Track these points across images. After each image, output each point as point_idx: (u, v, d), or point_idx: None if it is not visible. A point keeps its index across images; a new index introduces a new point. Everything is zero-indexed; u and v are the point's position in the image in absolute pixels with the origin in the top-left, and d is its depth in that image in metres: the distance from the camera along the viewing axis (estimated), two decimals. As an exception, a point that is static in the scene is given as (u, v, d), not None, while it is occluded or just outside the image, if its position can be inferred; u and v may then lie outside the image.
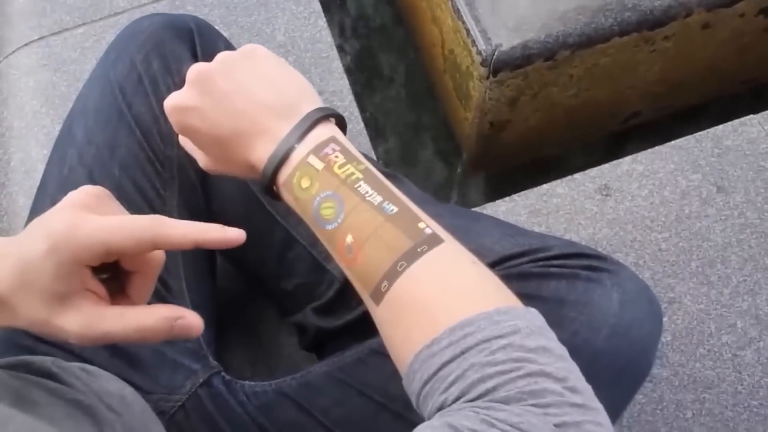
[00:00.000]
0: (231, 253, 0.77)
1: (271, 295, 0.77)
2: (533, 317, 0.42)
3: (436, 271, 0.44)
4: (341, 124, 0.52)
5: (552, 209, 0.87)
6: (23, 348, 0.63)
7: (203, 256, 0.73)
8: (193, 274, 0.70)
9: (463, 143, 1.20)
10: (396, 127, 1.30)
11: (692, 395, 0.79)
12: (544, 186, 0.89)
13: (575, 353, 0.42)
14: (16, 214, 0.93)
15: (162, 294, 0.67)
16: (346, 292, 0.69)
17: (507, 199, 0.88)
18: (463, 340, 0.40)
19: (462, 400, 0.39)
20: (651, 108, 1.22)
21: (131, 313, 0.46)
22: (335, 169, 0.47)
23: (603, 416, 0.39)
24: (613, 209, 0.87)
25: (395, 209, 0.45)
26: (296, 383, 0.64)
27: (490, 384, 0.38)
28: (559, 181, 0.89)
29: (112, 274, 0.48)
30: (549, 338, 0.41)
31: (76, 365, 0.57)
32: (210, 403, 0.63)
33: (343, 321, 0.69)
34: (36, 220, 0.46)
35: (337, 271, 0.69)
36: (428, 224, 0.45)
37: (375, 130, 1.28)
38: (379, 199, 0.46)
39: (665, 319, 0.82)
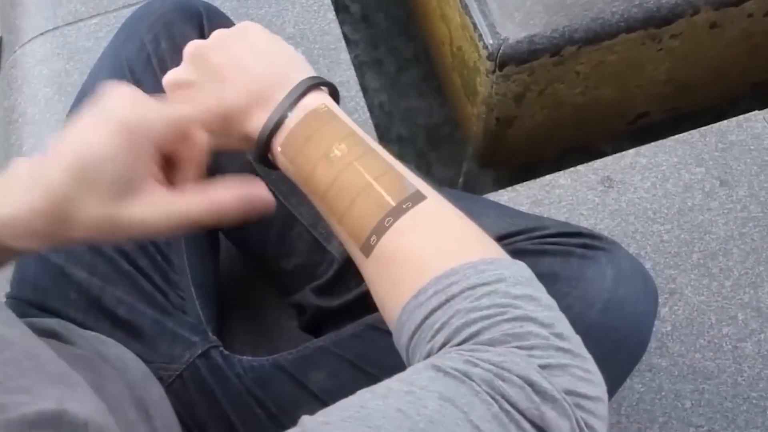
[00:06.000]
0: (233, 233, 0.78)
1: (271, 275, 0.78)
2: (520, 269, 0.43)
3: (422, 225, 0.44)
4: (334, 94, 0.53)
5: (554, 200, 0.88)
6: (28, 317, 0.64)
7: (205, 235, 0.74)
8: (195, 252, 0.71)
9: (471, 140, 1.20)
10: (403, 123, 1.31)
11: (691, 385, 0.78)
12: (547, 177, 0.89)
13: None
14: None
15: (163, 268, 0.68)
16: (346, 273, 0.69)
17: (509, 189, 0.89)
18: (448, 288, 0.40)
19: (448, 346, 0.39)
20: (659, 109, 1.22)
21: (201, 193, 0.45)
22: (326, 135, 0.49)
23: (592, 365, 0.39)
24: (616, 200, 0.88)
25: (382, 169, 0.47)
26: (292, 357, 0.65)
27: (474, 328, 0.39)
28: (561, 172, 0.90)
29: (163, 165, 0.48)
30: (536, 289, 0.42)
31: (81, 329, 0.59)
32: (207, 373, 0.64)
33: (342, 301, 0.70)
34: (72, 126, 0.45)
35: (337, 252, 0.70)
36: (413, 182, 0.46)
37: (382, 125, 1.29)
38: (366, 160, 0.47)
39: (665, 309, 0.82)
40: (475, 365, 0.36)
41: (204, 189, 0.46)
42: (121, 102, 0.45)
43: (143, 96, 0.46)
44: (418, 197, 0.45)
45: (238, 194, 0.45)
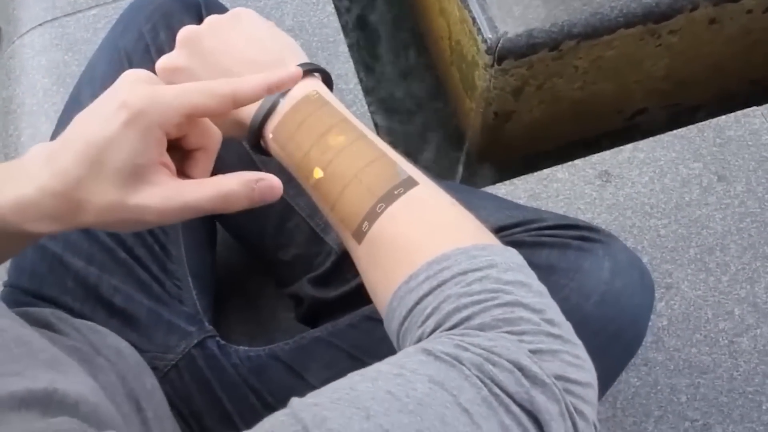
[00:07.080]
0: (231, 223, 0.78)
1: (269, 266, 0.78)
2: (512, 255, 0.43)
3: (414, 211, 0.45)
4: (328, 80, 0.53)
5: (552, 194, 0.88)
6: (24, 305, 0.64)
7: (202, 225, 0.74)
8: (192, 242, 0.71)
9: (469, 134, 1.20)
10: (401, 117, 1.31)
11: (687, 380, 0.78)
12: (545, 171, 0.89)
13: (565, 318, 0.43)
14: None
15: (161, 258, 0.68)
16: (343, 264, 0.70)
17: (507, 182, 0.89)
18: (439, 273, 0.41)
19: (438, 330, 0.39)
20: (657, 105, 1.22)
21: (210, 182, 0.45)
22: (318, 121, 0.49)
23: (582, 351, 0.39)
24: (613, 195, 0.88)
25: (373, 155, 0.47)
26: (289, 348, 0.65)
27: (465, 313, 0.39)
28: (559, 166, 0.90)
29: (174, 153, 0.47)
30: (527, 275, 0.42)
31: (75, 319, 0.59)
32: (203, 363, 0.64)
33: (339, 292, 0.70)
34: (84, 112, 0.45)
35: (334, 243, 0.70)
36: (405, 168, 0.46)
37: (380, 117, 1.29)
38: (358, 146, 0.47)
39: (662, 304, 0.82)
40: (466, 349, 0.36)
41: (208, 180, 0.46)
42: (133, 87, 0.44)
43: (155, 82, 0.46)
44: (410, 183, 0.45)
45: (243, 184, 0.45)
